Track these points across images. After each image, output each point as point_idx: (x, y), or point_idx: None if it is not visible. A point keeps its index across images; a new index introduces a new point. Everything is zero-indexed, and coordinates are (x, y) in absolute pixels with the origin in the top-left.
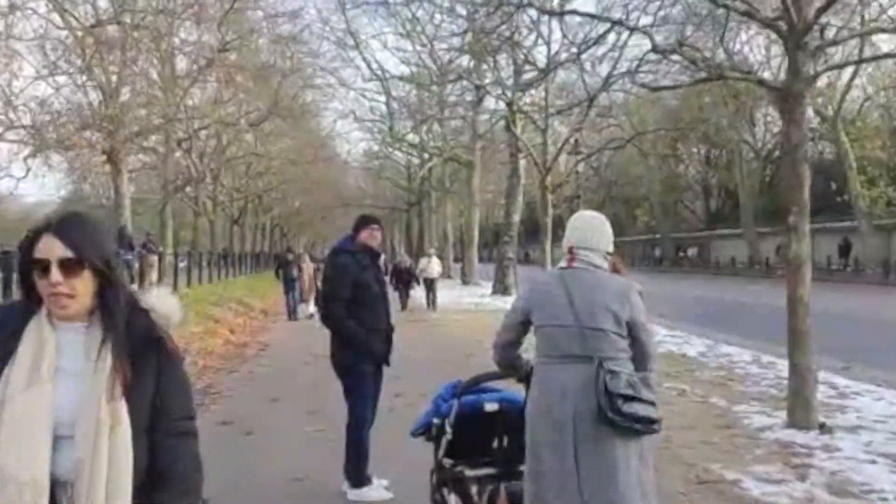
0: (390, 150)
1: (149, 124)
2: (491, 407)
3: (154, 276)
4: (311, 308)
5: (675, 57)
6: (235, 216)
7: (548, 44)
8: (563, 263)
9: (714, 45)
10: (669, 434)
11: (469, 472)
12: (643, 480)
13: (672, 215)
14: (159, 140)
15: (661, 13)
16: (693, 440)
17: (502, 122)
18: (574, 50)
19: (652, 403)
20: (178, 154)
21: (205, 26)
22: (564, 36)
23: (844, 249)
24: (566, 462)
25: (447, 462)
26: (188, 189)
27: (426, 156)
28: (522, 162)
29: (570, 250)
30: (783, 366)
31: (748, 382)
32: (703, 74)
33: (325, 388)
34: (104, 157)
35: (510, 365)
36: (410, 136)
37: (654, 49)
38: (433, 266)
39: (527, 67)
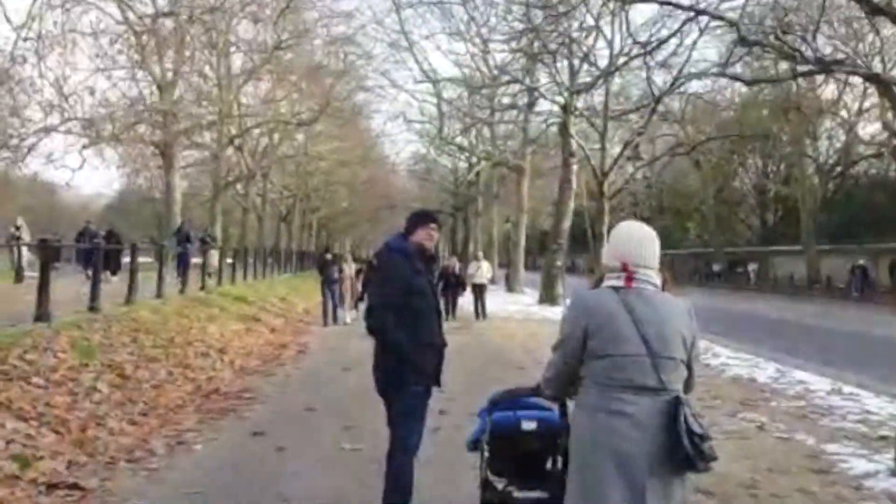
0: (438, 153)
1: (201, 120)
2: (528, 426)
3: (214, 265)
4: (350, 315)
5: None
6: (283, 214)
7: (610, 43)
8: (617, 283)
9: (808, 35)
10: (755, 478)
11: (518, 494)
12: None
13: (726, 229)
14: (212, 137)
15: (747, 6)
16: (786, 487)
17: (554, 127)
18: (636, 50)
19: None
20: (229, 151)
21: (261, 25)
22: (630, 34)
23: None
24: (635, 499)
25: (494, 480)
26: (238, 186)
27: (474, 160)
28: (575, 167)
29: (626, 268)
30: (868, 398)
31: (833, 416)
32: (804, 67)
33: (363, 401)
34: (157, 152)
35: (564, 400)
36: (459, 140)
37: (743, 41)
38: (483, 271)
39: (584, 69)
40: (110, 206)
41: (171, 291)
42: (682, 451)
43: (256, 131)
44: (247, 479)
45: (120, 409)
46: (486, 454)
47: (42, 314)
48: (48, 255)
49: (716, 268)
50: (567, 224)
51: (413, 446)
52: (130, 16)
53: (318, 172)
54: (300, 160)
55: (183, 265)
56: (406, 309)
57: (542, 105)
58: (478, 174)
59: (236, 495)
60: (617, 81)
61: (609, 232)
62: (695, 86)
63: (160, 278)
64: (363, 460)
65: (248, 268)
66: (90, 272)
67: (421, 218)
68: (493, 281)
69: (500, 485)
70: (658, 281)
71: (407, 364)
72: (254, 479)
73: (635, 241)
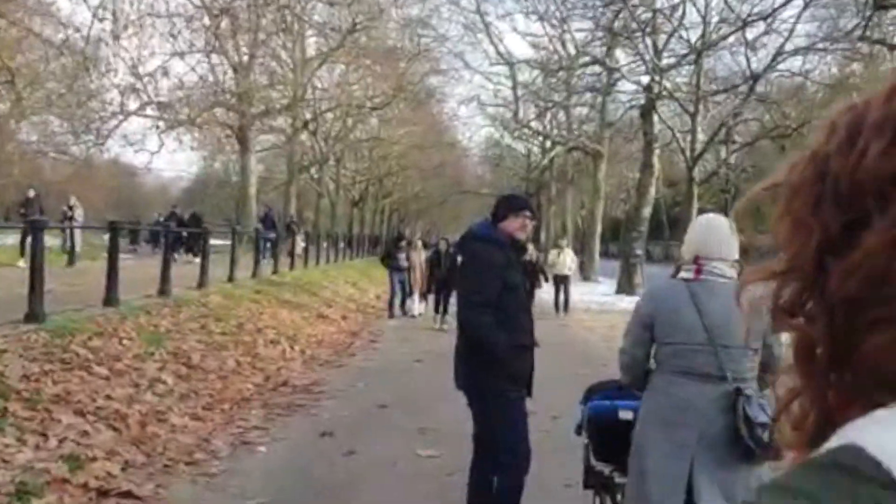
0: (512, 137)
1: (275, 104)
2: (625, 415)
3: (299, 250)
4: (418, 306)
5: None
6: (356, 199)
7: (704, 17)
8: (687, 274)
9: None
10: None
11: (619, 480)
12: None
13: None
14: (286, 121)
15: None
16: None
17: (634, 111)
18: (727, 29)
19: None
20: (303, 136)
21: (336, 7)
22: (727, 4)
23: None
24: (680, 477)
25: (597, 465)
26: (312, 170)
27: (548, 144)
28: (657, 152)
29: (697, 260)
30: None
31: None
32: None
33: (439, 398)
34: (232, 135)
35: (641, 386)
36: (534, 124)
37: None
38: (566, 260)
39: (670, 47)
40: (189, 189)
41: (244, 275)
42: (740, 439)
43: (330, 115)
44: (313, 489)
45: (183, 402)
46: (586, 441)
47: (110, 298)
48: (116, 237)
49: None
50: (648, 211)
51: (523, 457)
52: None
53: (390, 157)
54: (373, 144)
55: (271, 249)
56: (499, 306)
57: (622, 87)
58: (552, 160)
59: None
60: (708, 60)
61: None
62: (792, 65)
63: (233, 262)
64: (440, 471)
65: (320, 252)
66: (177, 254)
67: (513, 204)
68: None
69: (605, 470)
70: (730, 272)
71: (502, 369)
72: (321, 491)
73: (708, 233)
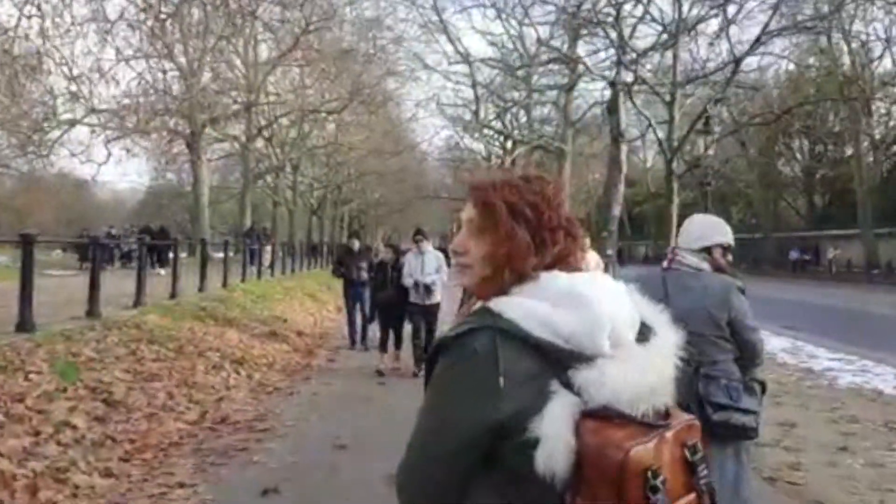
0: (473, 139)
1: (227, 110)
2: None
3: (268, 260)
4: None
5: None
6: (314, 207)
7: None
8: (664, 263)
9: None
10: None
11: None
12: (740, 483)
13: (772, 214)
14: (241, 129)
15: None
16: None
17: (597, 108)
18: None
19: (750, 412)
20: (259, 143)
21: (288, 8)
22: None
23: None
24: None
25: None
26: (268, 178)
27: (509, 144)
28: (624, 147)
29: (673, 250)
30: None
31: None
32: None
33: (407, 428)
34: (183, 144)
35: None
36: (495, 123)
37: None
38: (589, 262)
39: (636, 37)
40: (143, 201)
41: (190, 290)
42: (704, 420)
43: (285, 121)
44: None
45: (95, 453)
46: None
47: (24, 322)
48: (28, 250)
49: (794, 255)
50: (617, 210)
51: None
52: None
53: (348, 163)
54: (330, 150)
55: (252, 260)
56: None
57: (585, 84)
58: (514, 161)
59: None
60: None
61: (684, 213)
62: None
63: (174, 277)
64: None
65: (275, 263)
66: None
67: None
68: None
69: None
70: (697, 262)
71: None
72: None
73: (685, 227)
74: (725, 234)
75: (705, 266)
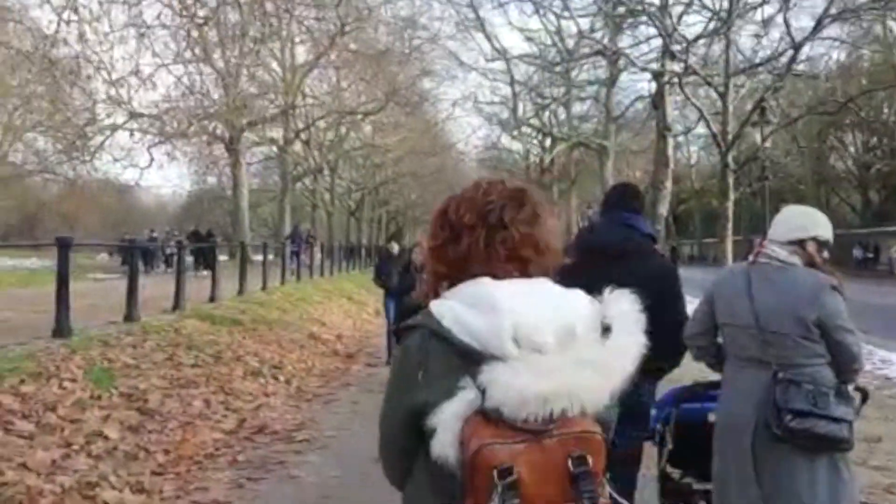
0: (511, 137)
1: (266, 113)
2: (713, 418)
3: (317, 260)
4: None
5: None
6: (352, 209)
7: None
8: (750, 257)
9: None
10: None
11: (697, 486)
12: (838, 495)
13: (825, 210)
14: (278, 132)
15: None
16: None
17: (641, 102)
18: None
19: (840, 420)
20: (296, 146)
21: (324, 11)
22: None
23: None
24: (746, 469)
25: (672, 471)
26: (306, 181)
27: (548, 142)
28: (671, 142)
29: (761, 243)
30: None
31: None
32: None
33: None
34: (223, 148)
35: (714, 361)
36: (534, 121)
37: None
38: None
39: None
40: (185, 205)
41: (229, 293)
42: (769, 426)
43: (322, 124)
44: None
45: (126, 466)
46: (670, 446)
47: (61, 328)
48: (63, 254)
49: (858, 253)
50: (664, 208)
51: None
52: (193, 9)
53: (385, 165)
54: (367, 152)
55: (296, 262)
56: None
57: (628, 77)
58: (552, 160)
59: None
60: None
61: (734, 211)
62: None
63: (214, 280)
64: None
65: (313, 265)
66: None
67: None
68: None
69: (678, 475)
70: (787, 256)
71: None
72: None
73: (776, 218)
74: (822, 227)
75: (796, 260)
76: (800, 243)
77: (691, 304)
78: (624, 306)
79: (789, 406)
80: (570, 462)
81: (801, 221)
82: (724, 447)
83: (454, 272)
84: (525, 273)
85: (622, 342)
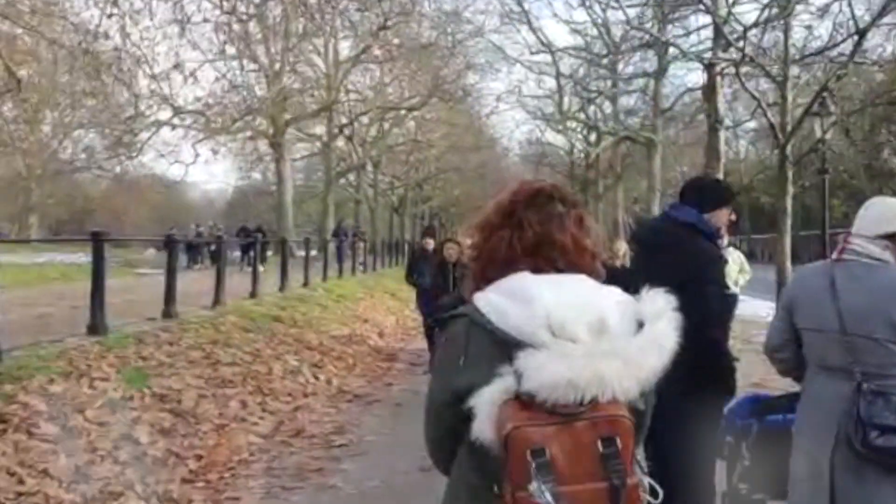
0: (555, 132)
1: (308, 108)
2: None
3: (361, 257)
4: None
5: None
6: (395, 205)
7: None
8: (834, 255)
9: None
10: None
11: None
12: None
13: None
14: (322, 127)
15: None
16: None
17: (689, 94)
18: None
19: None
20: (340, 142)
21: (367, 3)
22: None
23: None
24: (821, 485)
25: (743, 488)
26: (350, 177)
27: (593, 137)
28: (722, 135)
29: (846, 239)
30: None
31: None
32: None
33: None
34: (267, 144)
35: (801, 374)
36: (579, 115)
37: None
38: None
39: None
40: (231, 201)
41: (270, 289)
42: (851, 442)
43: (366, 119)
44: None
45: (155, 472)
46: (747, 462)
47: (95, 324)
48: (98, 248)
49: None
50: None
51: None
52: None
53: (428, 160)
54: (410, 148)
55: (339, 258)
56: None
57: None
58: (598, 156)
59: None
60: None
61: (792, 206)
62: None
63: (254, 277)
64: None
65: (356, 259)
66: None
67: (726, 193)
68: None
69: (750, 493)
70: (878, 252)
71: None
72: None
73: (862, 211)
74: None
75: (888, 257)
76: (892, 237)
77: (745, 303)
78: (658, 303)
79: (874, 421)
80: (599, 443)
81: (892, 213)
82: (798, 465)
83: (492, 270)
84: (556, 270)
85: (652, 337)
